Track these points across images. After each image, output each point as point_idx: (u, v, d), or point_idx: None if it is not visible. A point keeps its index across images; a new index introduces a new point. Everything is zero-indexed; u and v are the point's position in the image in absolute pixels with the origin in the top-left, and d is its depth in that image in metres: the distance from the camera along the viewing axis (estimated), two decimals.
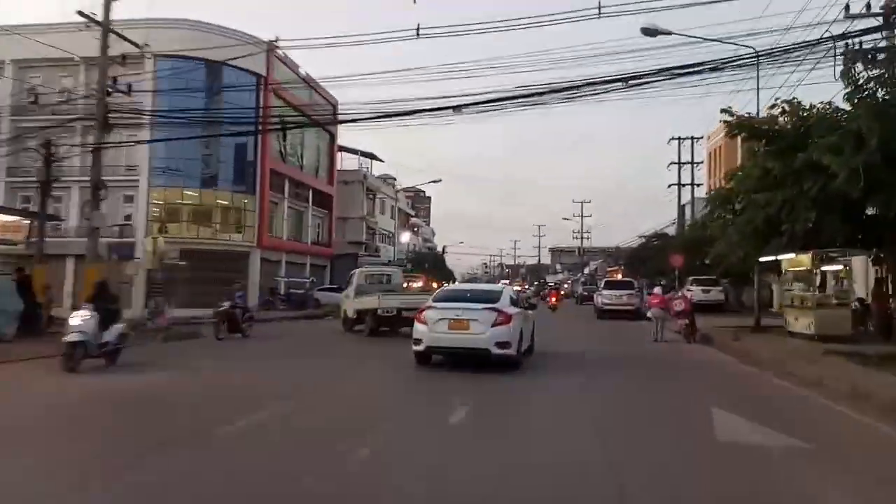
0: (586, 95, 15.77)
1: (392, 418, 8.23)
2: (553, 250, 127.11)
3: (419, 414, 8.62)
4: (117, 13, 20.09)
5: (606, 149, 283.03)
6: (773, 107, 16.87)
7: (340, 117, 33.76)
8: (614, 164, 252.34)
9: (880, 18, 15.45)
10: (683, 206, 46.65)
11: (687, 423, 8.05)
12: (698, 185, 48.54)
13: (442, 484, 5.43)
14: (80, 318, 11.81)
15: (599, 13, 15.95)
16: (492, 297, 12.71)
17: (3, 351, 13.80)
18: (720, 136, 62.29)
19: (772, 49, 15.65)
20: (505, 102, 16.17)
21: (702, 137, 49.56)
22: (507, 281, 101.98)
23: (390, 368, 13.13)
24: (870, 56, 14.67)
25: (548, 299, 45.64)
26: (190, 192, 37.22)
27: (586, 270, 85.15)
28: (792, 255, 17.18)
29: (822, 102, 16.78)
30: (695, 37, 20.31)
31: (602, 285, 35.40)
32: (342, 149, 57.23)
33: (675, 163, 46.18)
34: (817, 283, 17.45)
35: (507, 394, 10.09)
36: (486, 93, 16.74)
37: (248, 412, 7.99)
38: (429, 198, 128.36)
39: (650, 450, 6.63)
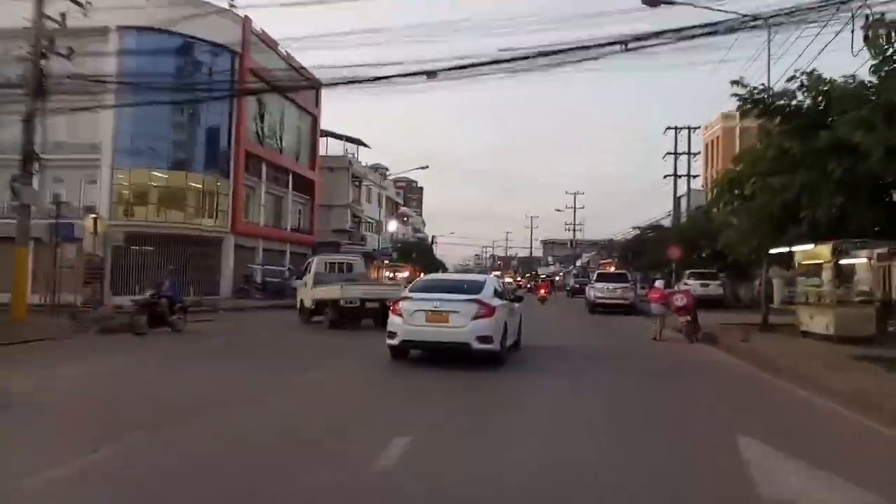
0: (578, 61, 13.78)
1: (313, 457, 5.82)
2: (545, 242, 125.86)
3: (346, 453, 5.92)
4: None
5: (602, 142, 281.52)
6: (791, 79, 14.91)
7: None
8: (609, 158, 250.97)
9: None
10: (679, 197, 45.02)
11: (707, 462, 6.05)
12: (695, 177, 46.98)
13: None
14: None
15: None
16: (474, 288, 11.88)
17: None
18: (718, 127, 61.08)
19: (784, 10, 13.66)
20: (484, 67, 14.14)
21: (699, 127, 47.92)
22: (499, 273, 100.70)
23: (345, 371, 11.28)
24: None
25: (537, 291, 43.92)
26: (158, 174, 34.93)
27: (578, 263, 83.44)
28: (810, 246, 15.25)
29: (843, 76, 14.93)
30: (702, 6, 18.33)
31: (594, 278, 33.27)
32: (327, 133, 55.08)
33: (671, 153, 44.50)
34: (836, 278, 15.49)
35: (478, 406, 8.19)
36: (464, 57, 14.68)
37: (82, 451, 5.62)
38: (421, 188, 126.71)
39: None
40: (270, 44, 39.07)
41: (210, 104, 36.34)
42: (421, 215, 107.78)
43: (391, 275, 54.88)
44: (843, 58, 15.20)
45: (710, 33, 13.07)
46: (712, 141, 62.50)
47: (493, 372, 10.79)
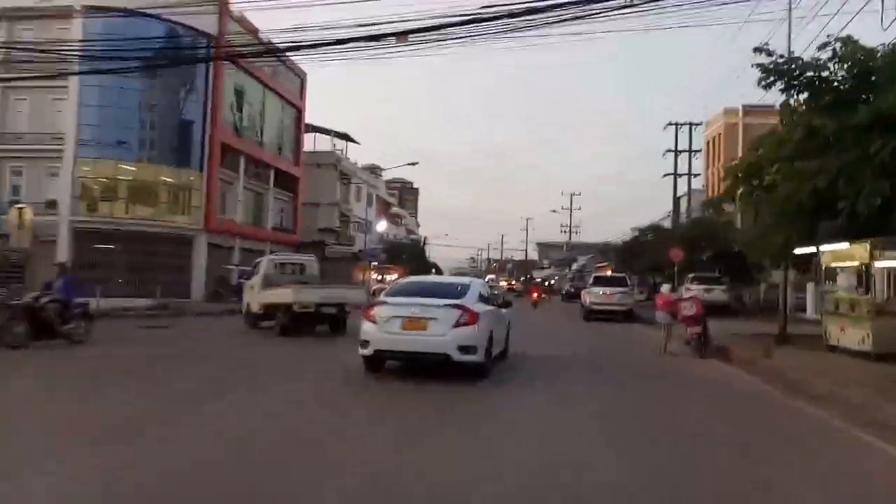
0: (575, 19, 11.53)
1: None
2: (541, 245, 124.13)
3: None
4: None
5: (599, 143, 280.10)
6: (823, 47, 12.60)
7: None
8: (607, 160, 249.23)
9: None
10: (679, 197, 42.84)
11: None
12: (696, 176, 44.81)
13: None
14: None
15: None
16: (456, 292, 10.79)
17: None
18: (720, 123, 58.79)
19: None
20: (460, 28, 11.90)
21: (700, 124, 45.69)
22: (494, 276, 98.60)
23: (289, 396, 8.95)
24: None
25: (529, 295, 41.76)
26: (125, 167, 32.59)
27: (574, 266, 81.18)
28: (843, 245, 12.94)
29: (883, 45, 12.70)
30: None
31: (591, 281, 30.80)
32: (314, 129, 52.84)
33: (671, 150, 42.35)
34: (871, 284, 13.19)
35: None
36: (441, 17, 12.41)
37: None
38: (416, 189, 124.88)
39: None
40: (251, 29, 36.73)
41: (183, 94, 34.23)
42: (416, 217, 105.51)
43: (379, 277, 52.64)
44: (869, 33, 13.05)
45: None
46: (714, 138, 60.26)
47: (473, 387, 9.49)
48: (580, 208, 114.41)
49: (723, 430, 7.62)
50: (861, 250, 12.65)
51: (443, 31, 12.36)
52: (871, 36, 16.69)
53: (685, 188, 42.91)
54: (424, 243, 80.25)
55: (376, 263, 54.61)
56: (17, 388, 9.53)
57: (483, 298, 11.20)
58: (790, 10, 14.64)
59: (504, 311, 12.95)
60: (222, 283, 35.62)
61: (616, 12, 11.43)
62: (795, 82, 12.92)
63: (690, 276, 30.20)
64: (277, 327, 17.23)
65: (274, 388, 9.68)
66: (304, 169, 48.60)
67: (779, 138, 13.52)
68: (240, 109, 38.81)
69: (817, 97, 12.75)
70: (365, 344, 10.21)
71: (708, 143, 59.56)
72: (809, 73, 12.79)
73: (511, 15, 11.60)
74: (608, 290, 27.68)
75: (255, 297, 18.83)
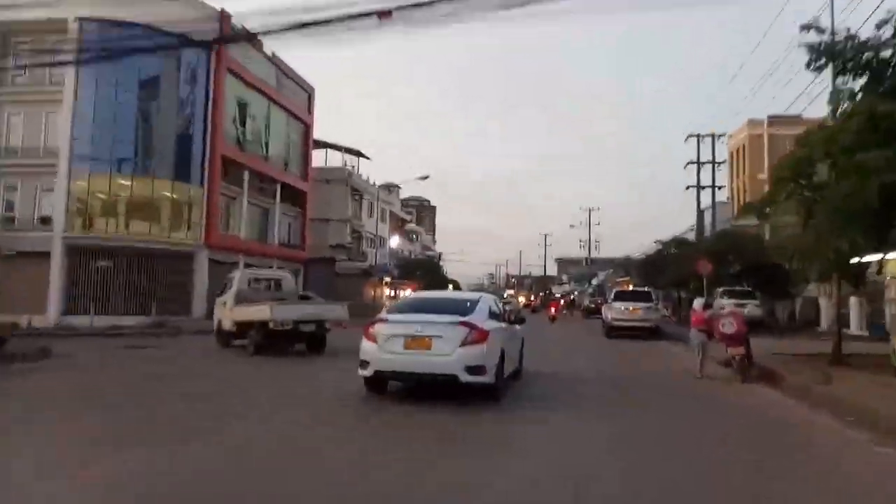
0: None
1: None
2: (559, 260, 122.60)
3: None
4: None
5: (618, 159, 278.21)
6: (883, 24, 10.81)
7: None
8: (627, 174, 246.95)
9: None
10: (703, 210, 40.85)
11: None
12: (720, 188, 42.69)
13: None
14: None
15: None
16: (463, 308, 9.98)
17: None
18: (744, 135, 56.77)
19: None
20: (447, 5, 10.28)
21: (724, 134, 43.64)
22: (513, 291, 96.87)
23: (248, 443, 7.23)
24: None
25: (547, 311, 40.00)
26: (121, 181, 31.20)
27: (594, 281, 79.03)
28: None
29: None
30: None
31: (612, 296, 28.77)
32: (323, 144, 51.56)
33: (693, 162, 40.27)
34: None
35: None
36: None
37: None
38: (434, 207, 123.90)
39: None
40: (254, 42, 35.51)
41: (182, 106, 32.98)
42: (434, 235, 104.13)
43: (392, 293, 51.09)
44: None
45: None
46: (738, 149, 58.36)
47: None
48: (599, 223, 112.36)
49: (780, 485, 5.78)
50: None
51: (429, 6, 10.74)
52: None
53: (707, 202, 40.90)
54: (440, 259, 78.63)
55: (388, 279, 53.09)
56: None
57: (493, 314, 10.50)
58: None
59: (518, 327, 12.27)
60: None
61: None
62: (851, 63, 11.11)
63: (720, 290, 28.28)
64: (251, 346, 16.24)
65: (239, 429, 7.98)
66: (315, 185, 47.24)
67: (830, 132, 11.65)
68: (242, 123, 37.44)
69: (878, 81, 10.94)
70: (364, 364, 9.66)
71: (732, 154, 57.59)
72: (868, 54, 10.98)
73: None
74: (632, 305, 25.75)
75: (227, 314, 17.81)
